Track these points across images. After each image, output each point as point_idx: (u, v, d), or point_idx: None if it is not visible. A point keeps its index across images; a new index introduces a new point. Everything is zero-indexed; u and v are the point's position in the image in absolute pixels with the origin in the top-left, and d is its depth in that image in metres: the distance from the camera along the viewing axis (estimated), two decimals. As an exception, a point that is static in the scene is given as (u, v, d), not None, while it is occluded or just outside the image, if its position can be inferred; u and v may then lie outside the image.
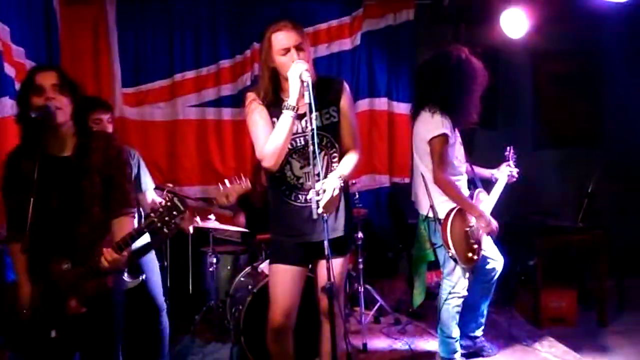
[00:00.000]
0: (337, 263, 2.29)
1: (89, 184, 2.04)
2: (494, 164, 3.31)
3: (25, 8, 3.43)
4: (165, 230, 1.97)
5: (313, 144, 1.98)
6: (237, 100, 4.42)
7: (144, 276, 2.78)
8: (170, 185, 3.64)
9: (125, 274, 2.65)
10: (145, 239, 2.96)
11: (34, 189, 1.88)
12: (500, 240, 3.16)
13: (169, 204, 1.93)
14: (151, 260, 3.00)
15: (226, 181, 2.88)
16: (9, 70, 3.07)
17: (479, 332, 3.25)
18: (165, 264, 3.39)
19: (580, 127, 5.18)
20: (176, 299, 3.87)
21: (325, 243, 1.99)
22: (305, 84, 2.04)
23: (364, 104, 4.71)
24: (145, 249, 2.95)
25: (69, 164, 2.02)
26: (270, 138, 2.15)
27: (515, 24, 4.06)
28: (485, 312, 3.21)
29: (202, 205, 2.97)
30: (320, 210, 1.99)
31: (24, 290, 1.98)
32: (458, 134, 2.99)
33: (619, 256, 4.28)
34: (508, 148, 3.34)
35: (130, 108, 4.35)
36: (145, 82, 4.38)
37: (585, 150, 5.11)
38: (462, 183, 2.98)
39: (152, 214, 1.94)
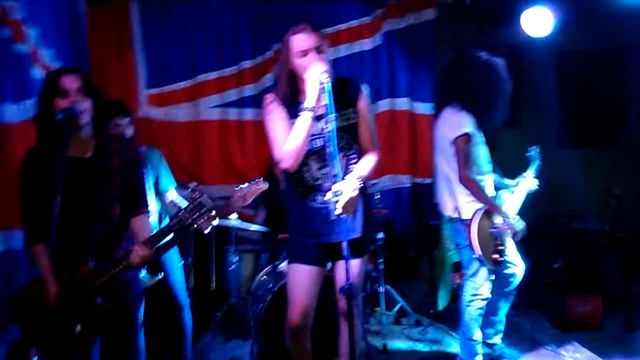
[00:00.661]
0: (355, 264, 2.30)
1: (110, 185, 2.11)
2: (518, 163, 3.27)
3: (53, 11, 3.53)
4: (193, 228, 2.03)
5: (331, 145, 1.99)
6: (258, 101, 4.35)
7: (161, 275, 2.82)
8: (195, 183, 3.71)
9: (144, 272, 2.71)
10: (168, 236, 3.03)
11: (58, 189, 1.92)
12: (524, 242, 3.12)
13: (196, 202, 2.01)
14: (172, 258, 3.04)
15: (244, 185, 2.91)
16: (38, 72, 3.15)
17: (497, 339, 3.19)
18: (189, 260, 3.44)
19: (605, 127, 5.07)
20: (199, 296, 3.93)
21: (344, 244, 1.99)
22: (323, 85, 2.05)
23: (385, 104, 4.70)
24: (168, 245, 3.00)
25: (90, 165, 2.08)
26: (288, 139, 2.16)
27: (537, 22, 4.00)
28: (504, 319, 3.15)
29: (220, 206, 2.98)
30: (338, 212, 2.00)
31: (51, 289, 2.03)
32: (481, 134, 2.96)
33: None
34: (532, 148, 3.29)
35: (154, 109, 4.43)
36: (169, 83, 4.46)
37: (609, 151, 5.01)
38: (487, 183, 2.95)
39: (180, 212, 2.02)
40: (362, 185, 2.17)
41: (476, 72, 2.85)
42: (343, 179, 2.19)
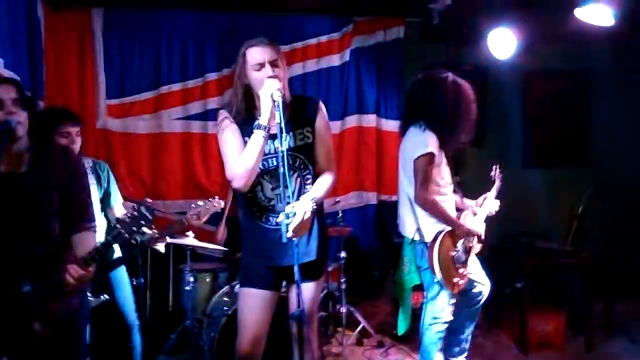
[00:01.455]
0: (309, 288, 2.22)
1: (47, 200, 1.97)
2: (482, 183, 3.25)
3: (7, 17, 3.37)
4: (133, 241, 1.92)
5: (283, 165, 1.92)
6: (223, 114, 4.36)
7: (106, 297, 2.70)
8: (150, 200, 3.57)
9: (88, 293, 2.58)
10: (115, 252, 2.91)
11: None
12: (487, 262, 3.09)
13: (135, 213, 1.89)
14: (120, 277, 2.93)
15: (200, 202, 2.81)
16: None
17: (462, 358, 3.16)
18: (142, 280, 3.30)
19: (569, 146, 5.15)
20: (155, 316, 3.78)
21: (295, 268, 1.92)
22: (276, 103, 1.99)
23: (352, 121, 4.66)
24: (114, 263, 2.88)
25: (25, 180, 1.95)
26: (240, 158, 2.08)
27: (503, 44, 4.03)
28: (469, 337, 3.12)
29: (175, 225, 2.89)
30: (289, 234, 1.93)
31: None
32: (444, 154, 2.93)
33: (608, 279, 4.23)
34: (494, 167, 3.29)
35: (114, 120, 4.29)
36: (131, 94, 4.33)
37: (574, 170, 5.07)
38: (448, 205, 2.91)
39: (118, 225, 1.90)
40: (316, 206, 2.10)
41: (442, 91, 2.83)
42: (298, 199, 2.12)
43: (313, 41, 4.57)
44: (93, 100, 4.23)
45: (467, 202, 3.13)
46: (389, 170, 4.61)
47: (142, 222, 1.88)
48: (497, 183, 3.21)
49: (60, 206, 2.00)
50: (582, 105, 5.12)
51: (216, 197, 2.74)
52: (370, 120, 4.68)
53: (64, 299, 2.02)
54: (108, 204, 2.94)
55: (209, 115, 4.42)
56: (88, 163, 2.87)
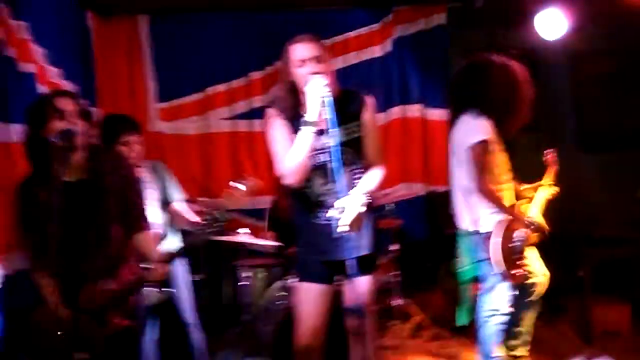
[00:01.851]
0: (364, 281, 2.23)
1: (108, 205, 2.09)
2: (535, 168, 3.14)
3: (61, 29, 3.53)
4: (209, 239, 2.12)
5: (333, 161, 1.93)
6: (268, 112, 4.41)
7: (172, 290, 2.79)
8: (203, 199, 3.67)
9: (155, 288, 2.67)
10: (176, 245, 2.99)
11: (57, 217, 1.91)
12: (546, 250, 2.99)
13: (209, 217, 2.06)
14: (181, 274, 3.00)
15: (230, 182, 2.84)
16: (44, 91, 3.15)
17: (522, 351, 3.02)
18: (199, 278, 3.40)
19: (625, 128, 4.90)
20: (211, 312, 3.88)
21: (348, 262, 1.93)
22: (324, 99, 1.99)
23: (396, 112, 4.61)
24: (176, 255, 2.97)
25: (85, 187, 2.06)
26: (289, 155, 2.11)
27: (551, 25, 3.88)
28: (530, 330, 3.01)
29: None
30: (340, 230, 1.94)
31: (62, 314, 2.01)
32: (501, 141, 2.85)
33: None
34: (546, 152, 3.18)
35: (164, 123, 4.42)
36: (179, 97, 4.44)
37: (631, 154, 4.82)
38: (505, 194, 2.83)
39: (197, 229, 2.10)
40: (367, 201, 2.10)
41: (492, 76, 2.74)
42: (347, 194, 2.13)
43: (353, 34, 4.55)
44: (144, 105, 4.37)
45: (525, 187, 3.04)
46: (436, 160, 4.56)
47: (217, 225, 2.05)
48: (553, 168, 3.10)
49: (118, 210, 2.13)
50: (636, 85, 4.87)
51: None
52: (414, 110, 4.61)
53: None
54: (168, 201, 3.00)
55: (255, 114, 4.47)
56: (145, 164, 2.95)
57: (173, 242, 2.89)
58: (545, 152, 3.18)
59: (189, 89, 4.45)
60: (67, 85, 3.50)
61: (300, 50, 2.13)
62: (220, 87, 4.46)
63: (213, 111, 4.46)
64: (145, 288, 2.52)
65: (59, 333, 2.00)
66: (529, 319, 2.94)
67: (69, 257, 2.00)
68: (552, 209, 3.04)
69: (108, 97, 4.26)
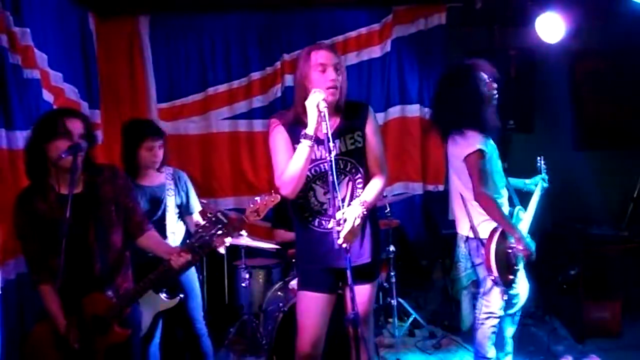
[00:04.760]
0: (364, 289, 2.29)
1: (106, 214, 2.15)
2: (533, 169, 3.21)
3: (62, 33, 3.55)
4: (213, 244, 2.13)
5: (332, 174, 1.98)
6: (268, 112, 4.45)
7: (182, 296, 2.82)
8: (204, 201, 3.71)
9: (163, 294, 2.71)
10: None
11: (57, 228, 1.96)
12: (540, 249, 3.05)
13: (213, 219, 2.10)
14: (193, 283, 3.00)
15: (257, 198, 2.89)
16: (48, 96, 3.18)
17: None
18: (201, 277, 3.45)
19: (622, 127, 4.94)
20: (212, 311, 3.95)
21: (348, 273, 1.98)
22: (322, 113, 2.03)
23: (395, 111, 4.64)
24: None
25: (83, 199, 2.10)
26: (288, 167, 2.15)
27: (551, 28, 3.90)
28: (510, 341, 3.07)
29: (235, 223, 2.97)
30: (340, 241, 1.99)
31: (63, 327, 2.07)
32: (495, 147, 2.90)
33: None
34: (538, 158, 3.24)
35: (165, 123, 4.41)
36: (179, 97, 4.46)
37: (627, 152, 4.88)
38: (504, 200, 2.89)
39: (199, 230, 2.13)
40: (366, 211, 2.15)
41: (460, 85, 2.79)
42: (350, 203, 2.18)
43: (353, 34, 4.54)
44: (145, 105, 4.38)
45: (527, 182, 3.11)
46: (434, 160, 4.60)
47: (220, 226, 2.09)
48: (544, 174, 3.17)
49: (119, 217, 2.20)
50: (633, 84, 4.91)
51: (272, 191, 2.78)
52: (413, 110, 4.64)
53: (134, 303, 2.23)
54: (187, 212, 3.04)
55: (254, 114, 4.51)
56: (168, 171, 2.99)
57: None
58: (541, 153, 3.24)
59: (190, 89, 4.46)
60: (68, 89, 3.54)
61: (322, 56, 2.18)
62: (221, 87, 4.47)
63: (213, 111, 4.47)
64: (153, 293, 2.60)
65: (74, 344, 2.05)
66: (509, 330, 3.02)
67: (72, 268, 2.04)
68: (548, 207, 3.10)
69: (109, 98, 4.29)
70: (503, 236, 2.75)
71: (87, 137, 2.08)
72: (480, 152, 2.72)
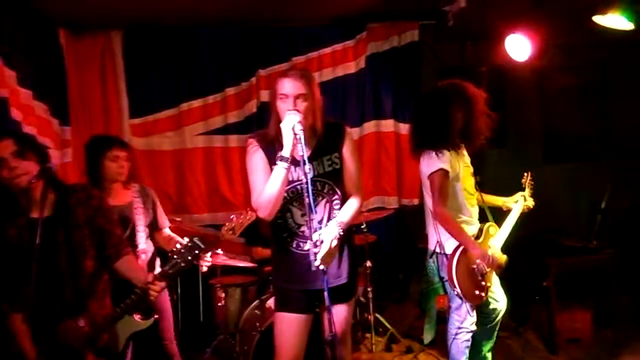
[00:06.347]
0: (341, 310, 2.30)
1: (78, 238, 2.08)
2: (505, 183, 3.27)
3: (32, 50, 3.49)
4: (187, 267, 2.09)
5: (309, 196, 1.98)
6: (243, 127, 4.44)
7: (156, 316, 2.77)
8: (179, 219, 3.67)
9: (137, 315, 2.66)
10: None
11: (27, 254, 1.90)
12: (512, 261, 3.10)
13: (190, 244, 2.06)
14: (164, 299, 2.97)
15: (232, 216, 2.88)
16: (16, 114, 3.12)
17: None
18: (175, 296, 3.40)
19: (589, 141, 5.11)
20: (187, 330, 3.89)
21: (326, 294, 1.98)
22: (297, 136, 2.04)
23: (370, 126, 4.68)
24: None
25: (53, 223, 2.03)
26: (264, 189, 2.14)
27: (519, 47, 4.02)
28: (488, 356, 3.13)
29: (212, 241, 2.95)
30: (317, 263, 1.99)
31: (33, 358, 2.01)
32: (469, 163, 2.95)
33: (634, 273, 4.21)
34: (525, 174, 3.30)
35: (138, 139, 4.37)
36: (153, 112, 4.40)
37: (595, 164, 5.03)
38: (472, 218, 2.93)
39: (175, 256, 2.07)
40: (342, 232, 2.16)
41: (445, 111, 2.84)
42: (326, 225, 2.19)
43: (328, 50, 4.58)
44: (117, 121, 4.31)
45: (504, 200, 3.15)
46: (409, 174, 4.65)
47: (197, 252, 2.06)
48: (527, 191, 3.23)
49: (92, 241, 2.12)
50: (601, 98, 5.08)
51: (248, 210, 2.76)
52: (388, 125, 4.69)
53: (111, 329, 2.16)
54: (155, 228, 3.00)
55: (230, 129, 4.49)
56: (135, 188, 2.93)
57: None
58: (520, 170, 3.30)
59: (163, 104, 4.41)
60: (37, 106, 3.46)
61: (286, 86, 2.15)
62: (195, 103, 4.44)
63: (188, 127, 4.43)
64: (127, 315, 2.54)
65: None
66: (487, 345, 3.07)
67: (43, 294, 1.98)
68: (520, 218, 3.16)
69: (81, 114, 4.21)
70: (466, 253, 2.79)
71: (25, 153, 1.98)
72: (443, 172, 2.77)
